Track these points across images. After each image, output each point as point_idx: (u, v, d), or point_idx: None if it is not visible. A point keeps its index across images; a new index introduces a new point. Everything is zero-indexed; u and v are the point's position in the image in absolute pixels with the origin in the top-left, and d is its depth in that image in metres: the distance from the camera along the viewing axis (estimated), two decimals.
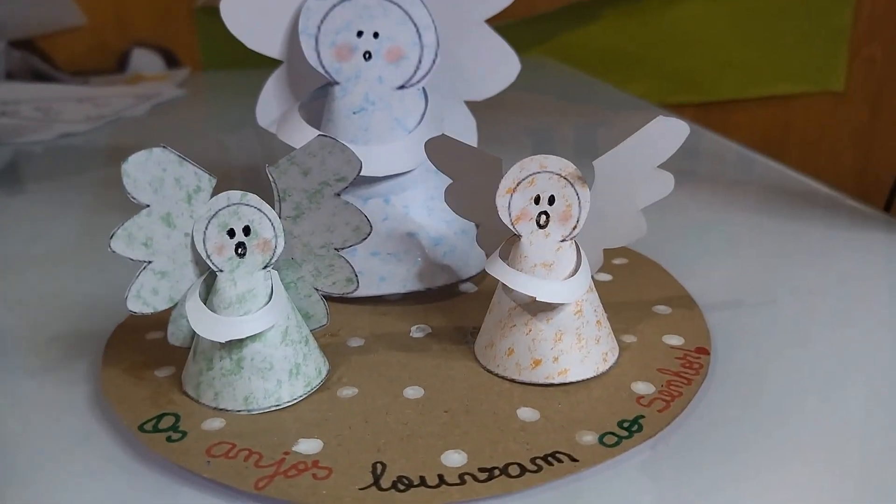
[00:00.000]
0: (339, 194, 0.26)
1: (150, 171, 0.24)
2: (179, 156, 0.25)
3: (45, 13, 0.92)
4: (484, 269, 0.36)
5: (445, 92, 0.38)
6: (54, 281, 0.38)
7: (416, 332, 0.32)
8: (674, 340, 0.30)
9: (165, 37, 0.96)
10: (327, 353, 0.29)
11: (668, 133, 0.27)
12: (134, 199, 0.24)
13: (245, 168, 0.59)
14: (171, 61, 0.97)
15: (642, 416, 0.25)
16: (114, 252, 0.24)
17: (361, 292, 0.34)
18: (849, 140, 1.17)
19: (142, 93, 0.82)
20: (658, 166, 0.28)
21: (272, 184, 0.26)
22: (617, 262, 0.37)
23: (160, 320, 0.31)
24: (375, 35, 0.34)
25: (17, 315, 0.35)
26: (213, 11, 1.05)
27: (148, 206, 0.25)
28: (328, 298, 0.28)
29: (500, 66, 0.38)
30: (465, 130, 0.39)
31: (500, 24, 0.37)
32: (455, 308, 0.33)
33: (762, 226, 0.44)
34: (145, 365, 0.29)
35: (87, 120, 0.71)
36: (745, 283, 0.37)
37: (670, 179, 0.29)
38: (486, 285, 0.36)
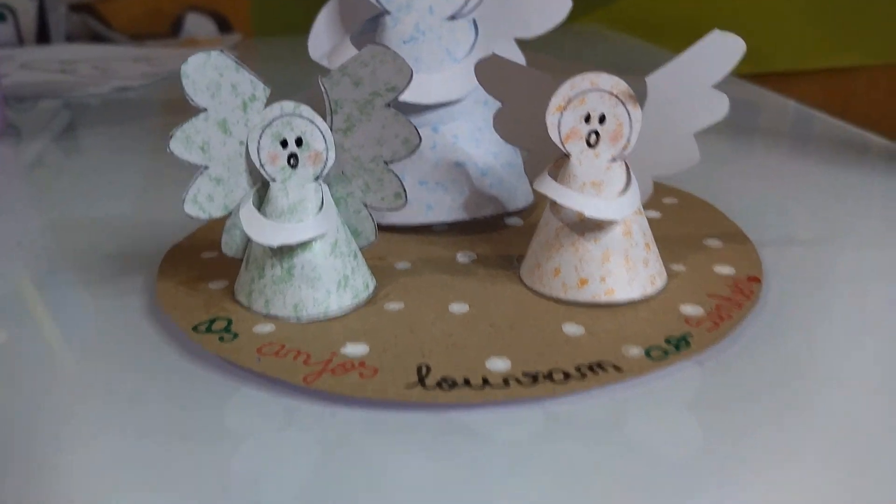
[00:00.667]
0: (389, 105, 0.26)
1: (208, 73, 0.25)
2: (236, 61, 0.25)
3: None
4: (530, 204, 0.36)
5: (495, 28, 0.37)
6: (112, 211, 0.40)
7: (462, 257, 0.32)
8: (725, 270, 0.30)
9: (218, 2, 0.98)
10: (375, 275, 0.29)
11: (723, 48, 0.27)
12: (192, 100, 0.25)
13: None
14: (224, 26, 0.98)
15: (690, 335, 0.25)
16: (172, 153, 0.25)
17: (408, 220, 0.34)
18: None
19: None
20: (714, 86, 0.27)
21: (324, 95, 0.27)
22: (667, 200, 0.37)
23: (214, 241, 0.32)
24: None
25: (75, 238, 0.36)
26: None
27: (205, 110, 0.25)
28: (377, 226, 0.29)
29: (551, 3, 0.38)
30: None
31: None
32: (501, 238, 0.33)
33: (820, 175, 0.43)
34: (199, 278, 0.30)
35: (142, 77, 0.73)
36: (801, 225, 0.36)
37: (725, 101, 0.28)
38: (532, 219, 0.36)
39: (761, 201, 0.39)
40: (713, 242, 0.32)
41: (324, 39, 0.37)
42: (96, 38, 0.94)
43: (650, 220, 0.34)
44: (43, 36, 0.90)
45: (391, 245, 0.33)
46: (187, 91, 0.25)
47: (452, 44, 0.35)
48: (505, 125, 0.31)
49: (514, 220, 0.36)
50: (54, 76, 0.75)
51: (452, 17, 0.35)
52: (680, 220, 0.35)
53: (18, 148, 0.53)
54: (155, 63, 0.80)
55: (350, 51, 0.35)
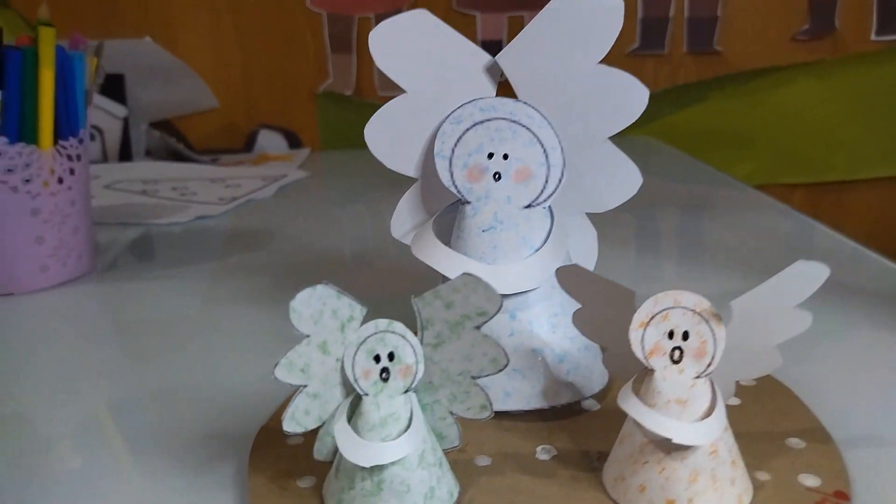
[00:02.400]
0: (478, 327, 0.28)
1: (312, 305, 0.26)
2: (338, 290, 0.27)
3: (183, 98, 1.02)
4: (606, 386, 0.36)
5: (568, 206, 0.39)
6: (193, 375, 0.41)
7: (542, 453, 0.32)
8: (810, 481, 0.29)
9: (289, 119, 1.03)
10: (455, 471, 0.30)
11: (808, 275, 0.27)
12: (297, 331, 0.26)
13: (353, 239, 0.63)
14: (294, 141, 1.03)
15: None
16: (276, 379, 0.27)
17: None
18: None
19: (268, 174, 0.88)
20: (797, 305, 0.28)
21: (417, 313, 0.28)
22: (745, 383, 0.37)
23: None
24: (505, 157, 0.36)
25: (159, 411, 0.38)
26: (332, 96, 1.12)
27: (308, 336, 0.27)
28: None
29: (622, 179, 0.39)
30: (587, 242, 0.41)
31: None
32: (579, 427, 0.34)
33: (884, 339, 0.42)
34: (288, 474, 0.31)
35: (219, 201, 0.77)
36: (883, 409, 0.35)
37: (808, 318, 0.28)
38: (608, 402, 0.36)
39: (834, 374, 0.39)
40: (795, 442, 0.32)
41: (406, 220, 0.40)
42: (173, 154, 0.99)
43: (729, 409, 0.34)
44: (125, 153, 0.97)
45: (469, 433, 0.33)
46: (294, 322, 0.26)
47: (529, 232, 0.36)
48: (585, 324, 0.32)
49: (590, 403, 0.36)
50: (137, 198, 0.80)
51: (529, 206, 0.36)
52: (759, 411, 0.34)
53: (104, 277, 0.57)
54: (231, 184, 0.84)
55: (431, 238, 0.37)
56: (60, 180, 0.54)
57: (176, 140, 1.00)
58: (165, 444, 0.35)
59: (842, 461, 0.30)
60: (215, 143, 1.03)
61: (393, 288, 0.50)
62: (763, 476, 0.30)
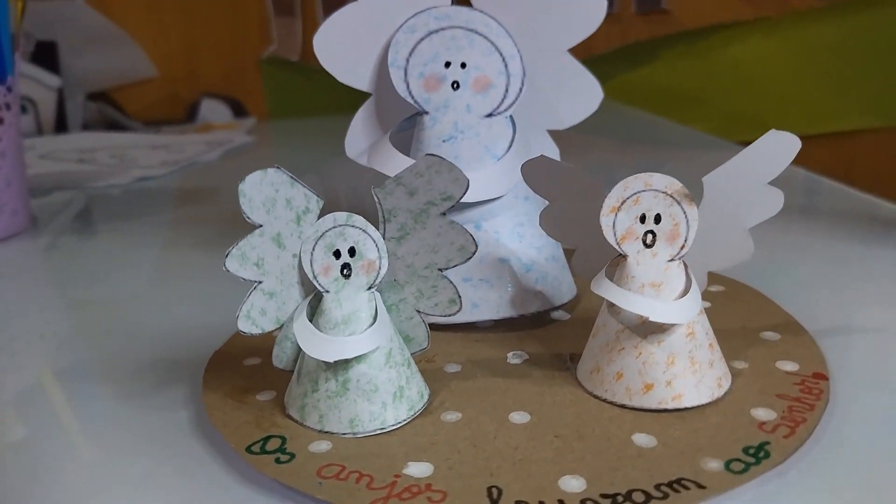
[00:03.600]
0: (444, 214, 0.26)
1: (264, 191, 0.24)
2: (291, 177, 0.25)
3: (119, 66, 0.97)
4: (575, 297, 0.35)
5: (530, 121, 0.38)
6: (139, 315, 0.39)
7: (513, 358, 0.31)
8: (788, 366, 0.29)
9: (233, 87, 1.00)
10: (426, 379, 0.29)
11: (780, 147, 0.26)
12: (248, 218, 0.24)
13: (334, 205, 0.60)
14: (239, 111, 1.00)
15: (768, 443, 0.24)
16: (227, 271, 0.25)
17: (455, 318, 0.33)
18: None
19: (213, 140, 0.84)
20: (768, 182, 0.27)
21: (377, 204, 0.26)
22: (713, 289, 0.36)
23: (256, 347, 0.31)
24: (463, 65, 0.35)
25: (105, 347, 0.36)
26: (278, 62, 1.08)
27: (261, 225, 0.25)
28: None
29: (584, 94, 0.38)
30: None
31: None
32: (550, 335, 0.33)
33: (844, 251, 0.42)
34: (246, 389, 0.29)
35: (162, 165, 0.73)
36: (851, 308, 0.35)
37: (780, 196, 0.28)
38: (578, 312, 0.35)
39: (801, 281, 0.38)
40: (770, 335, 0.31)
41: (361, 138, 0.38)
42: (113, 125, 0.95)
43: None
44: (61, 125, 0.92)
45: (438, 345, 0.32)
46: (244, 209, 0.24)
47: (491, 141, 0.35)
48: (552, 223, 0.31)
49: (560, 314, 0.35)
50: (73, 166, 0.76)
51: (490, 115, 0.35)
52: (731, 311, 0.34)
53: (38, 238, 0.53)
54: (173, 150, 0.80)
55: (388, 149, 0.35)
56: None
57: (115, 110, 0.96)
58: (114, 378, 0.32)
59: (817, 347, 0.30)
60: (156, 114, 0.98)
61: None
62: (740, 364, 0.29)
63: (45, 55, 0.91)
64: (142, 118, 0.98)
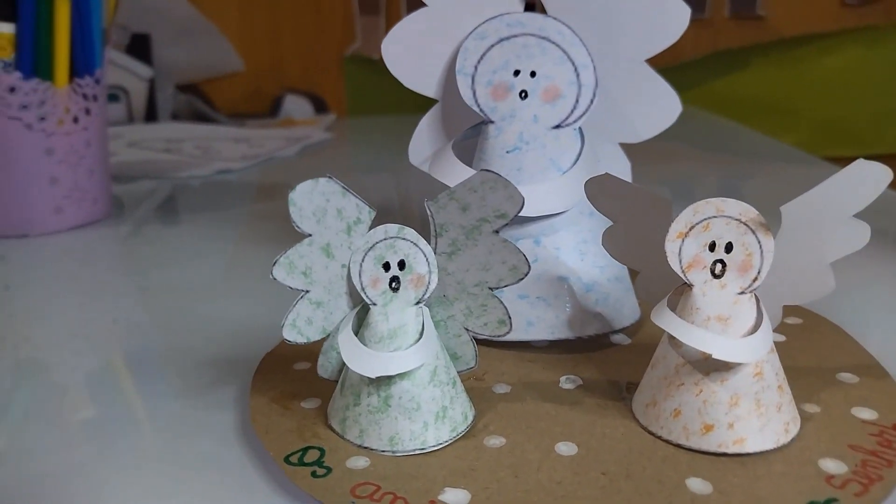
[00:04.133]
0: (497, 231, 0.25)
1: (315, 200, 0.24)
2: (343, 187, 0.25)
3: (209, 60, 1.00)
4: (637, 321, 0.34)
5: (601, 133, 0.36)
6: (205, 308, 0.40)
7: (566, 382, 0.30)
8: (865, 414, 0.26)
9: (315, 84, 1.02)
10: (473, 398, 0.28)
11: (868, 178, 0.24)
12: (298, 227, 0.24)
13: (380, 207, 0.60)
14: (320, 107, 1.01)
15: (836, 500, 0.22)
16: (274, 279, 0.24)
17: (508, 336, 0.32)
18: None
19: (292, 135, 0.86)
20: (854, 215, 0.25)
21: (430, 218, 0.26)
22: (790, 321, 0.34)
23: (307, 351, 0.31)
24: (532, 74, 0.34)
25: (168, 339, 0.36)
26: (361, 60, 1.09)
27: (310, 235, 0.25)
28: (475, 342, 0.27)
29: (660, 107, 0.36)
30: (621, 174, 0.38)
31: None
32: (607, 360, 0.31)
33: None
34: (293, 395, 0.29)
35: (242, 158, 0.75)
36: None
37: (866, 230, 0.25)
38: (640, 337, 0.33)
39: (889, 317, 0.35)
40: (847, 377, 0.29)
41: (425, 145, 0.37)
42: (200, 117, 0.98)
43: (774, 345, 0.32)
44: (151, 115, 0.96)
45: (489, 363, 0.31)
46: (293, 218, 0.24)
47: (557, 153, 0.33)
48: (615, 244, 0.29)
49: (620, 338, 0.33)
50: (159, 155, 0.79)
51: (557, 126, 0.34)
52: (807, 346, 0.31)
53: (120, 225, 0.55)
54: (254, 144, 0.82)
55: (451, 159, 0.34)
56: (76, 120, 0.52)
57: (203, 102, 0.99)
58: (173, 370, 0.33)
59: None
60: (241, 107, 1.01)
61: None
62: (812, 408, 0.27)
63: (140, 46, 0.95)
64: (228, 111, 1.01)
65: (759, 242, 0.25)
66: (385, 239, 0.25)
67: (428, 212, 0.26)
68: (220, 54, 1.00)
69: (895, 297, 0.39)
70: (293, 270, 0.25)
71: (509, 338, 0.32)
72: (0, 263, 0.48)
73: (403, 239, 0.25)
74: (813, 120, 1.03)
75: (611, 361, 0.31)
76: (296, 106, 1.00)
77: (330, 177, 0.24)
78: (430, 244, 0.26)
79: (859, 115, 1.02)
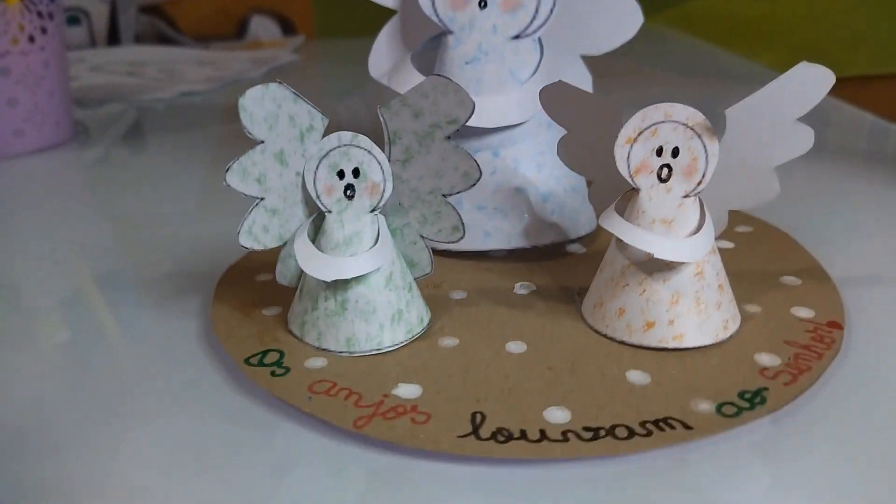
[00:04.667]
0: (449, 137, 0.26)
1: (265, 106, 0.24)
2: (294, 92, 0.25)
3: None
4: (593, 231, 0.34)
5: (561, 45, 0.36)
6: (172, 229, 0.40)
7: (521, 288, 0.30)
8: (803, 312, 0.28)
9: (283, 4, 0.99)
10: (430, 304, 0.29)
11: (811, 80, 0.25)
12: (250, 133, 0.24)
13: (350, 125, 0.59)
14: (288, 28, 0.99)
15: (766, 389, 0.23)
16: (228, 185, 0.25)
17: (465, 246, 0.33)
18: None
19: (258, 57, 0.84)
20: (798, 119, 0.26)
21: (383, 125, 0.26)
22: (740, 229, 0.35)
23: (270, 263, 0.31)
24: None
25: (137, 257, 0.37)
26: None
27: (262, 142, 0.25)
28: (432, 252, 0.28)
29: (621, 18, 0.36)
30: (582, 85, 0.38)
31: None
32: (561, 268, 0.32)
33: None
34: (254, 304, 0.29)
35: (207, 81, 0.74)
36: (885, 258, 0.33)
37: (810, 134, 0.26)
38: (595, 246, 0.34)
39: (842, 230, 0.36)
40: (790, 280, 0.30)
41: (384, 57, 0.37)
42: (163, 39, 0.96)
43: (722, 252, 0.33)
44: (113, 37, 0.93)
45: (447, 272, 0.32)
46: (244, 124, 0.24)
47: (516, 64, 0.33)
48: (570, 153, 0.30)
49: (576, 247, 0.34)
50: (122, 79, 0.77)
51: (517, 37, 0.33)
52: (754, 253, 0.33)
53: (85, 149, 0.55)
54: (219, 66, 0.81)
55: (410, 70, 0.34)
56: (32, 39, 0.51)
57: (166, 25, 0.96)
58: (141, 288, 0.33)
59: (838, 296, 0.29)
60: (206, 29, 0.98)
61: None
62: (753, 308, 0.28)
63: None
64: (193, 33, 0.98)
65: (704, 147, 0.25)
66: (339, 146, 0.26)
67: (381, 118, 0.26)
68: None
69: (843, 204, 0.40)
70: (247, 177, 0.25)
71: (467, 248, 0.33)
72: None
73: (357, 147, 0.26)
74: (787, 41, 1.02)
75: (565, 269, 0.32)
76: (263, 27, 0.98)
77: (280, 82, 0.24)
78: (384, 151, 0.26)
79: (833, 37, 1.02)
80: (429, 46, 0.35)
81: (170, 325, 0.30)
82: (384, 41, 0.37)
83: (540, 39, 0.34)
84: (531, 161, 0.33)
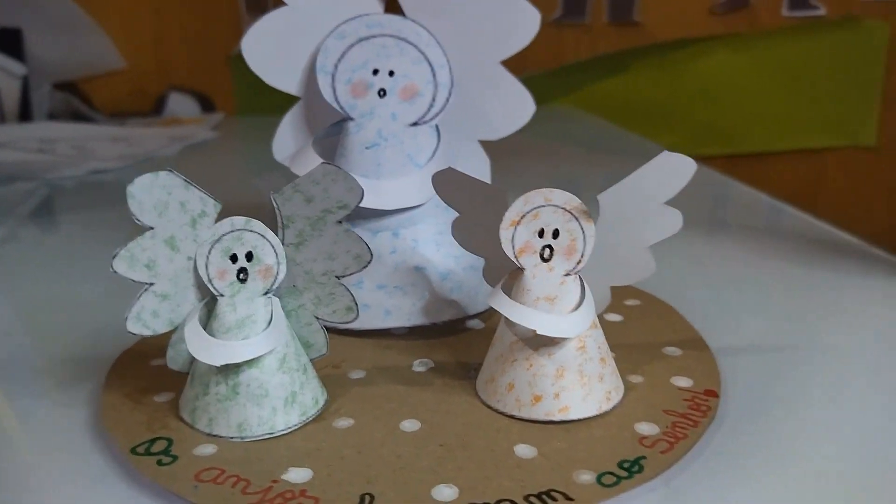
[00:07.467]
0: (340, 222, 0.26)
1: (155, 194, 0.25)
2: (185, 180, 0.25)
3: (87, 57, 0.97)
4: (490, 307, 0.36)
5: (460, 131, 0.38)
6: (75, 311, 0.39)
7: (419, 366, 0.31)
8: (682, 382, 0.29)
9: (202, 82, 1.00)
10: (327, 385, 0.29)
11: (674, 169, 0.27)
12: (139, 220, 0.25)
13: (271, 209, 0.60)
14: (207, 106, 1.00)
15: (643, 458, 0.24)
16: (115, 272, 0.25)
17: (366, 325, 0.33)
18: (882, 195, 1.15)
19: (175, 134, 0.84)
20: (666, 203, 0.28)
21: (276, 210, 0.26)
22: (629, 302, 0.36)
23: (165, 347, 0.31)
24: (391, 73, 0.35)
25: (35, 342, 0.36)
26: None
27: (152, 228, 0.25)
28: (334, 331, 0.28)
29: (515, 106, 0.39)
30: (479, 170, 0.40)
31: (527, 74, 0.38)
32: (460, 344, 0.33)
33: (789, 277, 0.43)
34: (146, 390, 0.29)
35: (119, 158, 0.73)
36: (765, 330, 0.36)
37: (678, 217, 0.28)
38: (493, 322, 0.35)
39: (723, 303, 0.39)
40: (672, 350, 0.32)
41: (288, 142, 0.38)
42: (78, 116, 0.95)
43: (611, 325, 0.34)
44: (25, 114, 0.91)
45: (348, 350, 0.32)
46: (133, 211, 0.24)
47: (414, 150, 0.35)
48: (463, 234, 0.31)
49: (475, 323, 0.35)
50: (32, 156, 0.75)
51: (415, 124, 0.35)
52: (641, 325, 0.34)
53: None
54: (134, 143, 0.80)
55: (311, 155, 0.35)
56: None
57: (81, 101, 0.95)
58: (38, 373, 0.32)
59: (715, 365, 0.31)
60: (123, 106, 0.98)
61: None
62: (636, 379, 0.29)
63: (11, 42, 0.90)
64: (108, 110, 0.98)
65: (581, 228, 0.27)
66: (232, 231, 0.26)
67: (274, 204, 0.26)
68: (99, 51, 0.96)
69: (727, 278, 0.42)
70: (135, 264, 0.25)
71: (368, 326, 0.33)
72: None
73: (251, 231, 0.26)
74: (687, 122, 1.09)
75: (463, 345, 0.33)
76: (181, 104, 0.98)
77: (170, 170, 0.25)
78: (277, 235, 0.27)
79: (730, 117, 1.10)
80: (331, 132, 0.37)
81: (59, 413, 0.29)
82: (288, 126, 0.38)
83: (437, 126, 0.36)
84: (430, 241, 0.35)
